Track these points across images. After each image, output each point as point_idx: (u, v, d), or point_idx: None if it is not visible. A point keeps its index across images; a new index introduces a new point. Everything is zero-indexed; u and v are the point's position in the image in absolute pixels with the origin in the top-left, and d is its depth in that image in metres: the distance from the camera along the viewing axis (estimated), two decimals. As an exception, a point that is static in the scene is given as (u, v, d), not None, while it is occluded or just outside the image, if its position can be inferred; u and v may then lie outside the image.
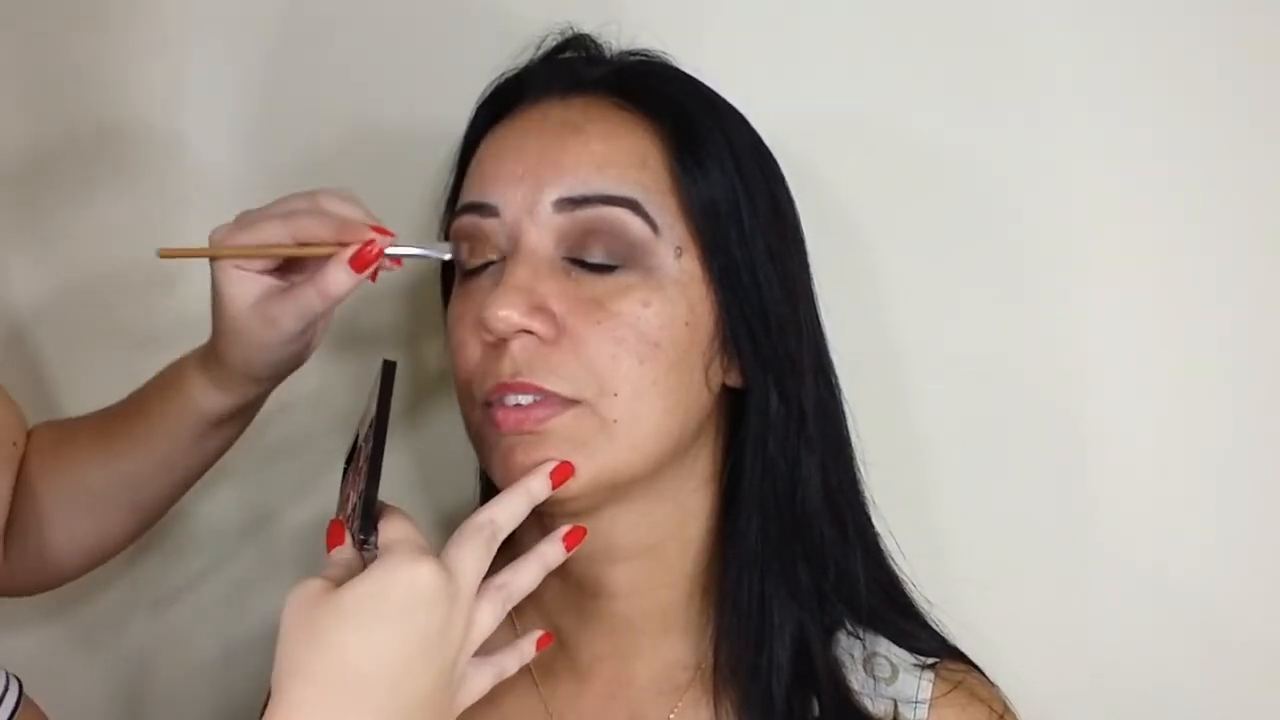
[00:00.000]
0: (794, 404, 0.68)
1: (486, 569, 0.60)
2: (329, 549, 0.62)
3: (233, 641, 0.97)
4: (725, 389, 0.69)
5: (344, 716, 0.55)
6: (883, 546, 0.73)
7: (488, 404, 0.65)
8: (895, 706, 0.68)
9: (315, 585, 0.58)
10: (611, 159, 0.66)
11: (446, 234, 0.71)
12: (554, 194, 0.65)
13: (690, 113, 0.68)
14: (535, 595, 0.64)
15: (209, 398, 0.74)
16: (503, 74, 0.73)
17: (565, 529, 0.65)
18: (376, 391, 0.66)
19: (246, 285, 0.68)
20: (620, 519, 0.67)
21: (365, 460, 0.63)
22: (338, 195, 0.69)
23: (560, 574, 0.65)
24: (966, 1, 0.81)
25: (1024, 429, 0.84)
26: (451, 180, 0.73)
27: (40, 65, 0.92)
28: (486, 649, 0.61)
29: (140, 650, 0.98)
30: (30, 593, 0.83)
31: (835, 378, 0.73)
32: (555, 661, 0.71)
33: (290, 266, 0.70)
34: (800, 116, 0.80)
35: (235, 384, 0.74)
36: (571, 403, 0.64)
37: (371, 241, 0.66)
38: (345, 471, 0.69)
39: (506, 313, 0.63)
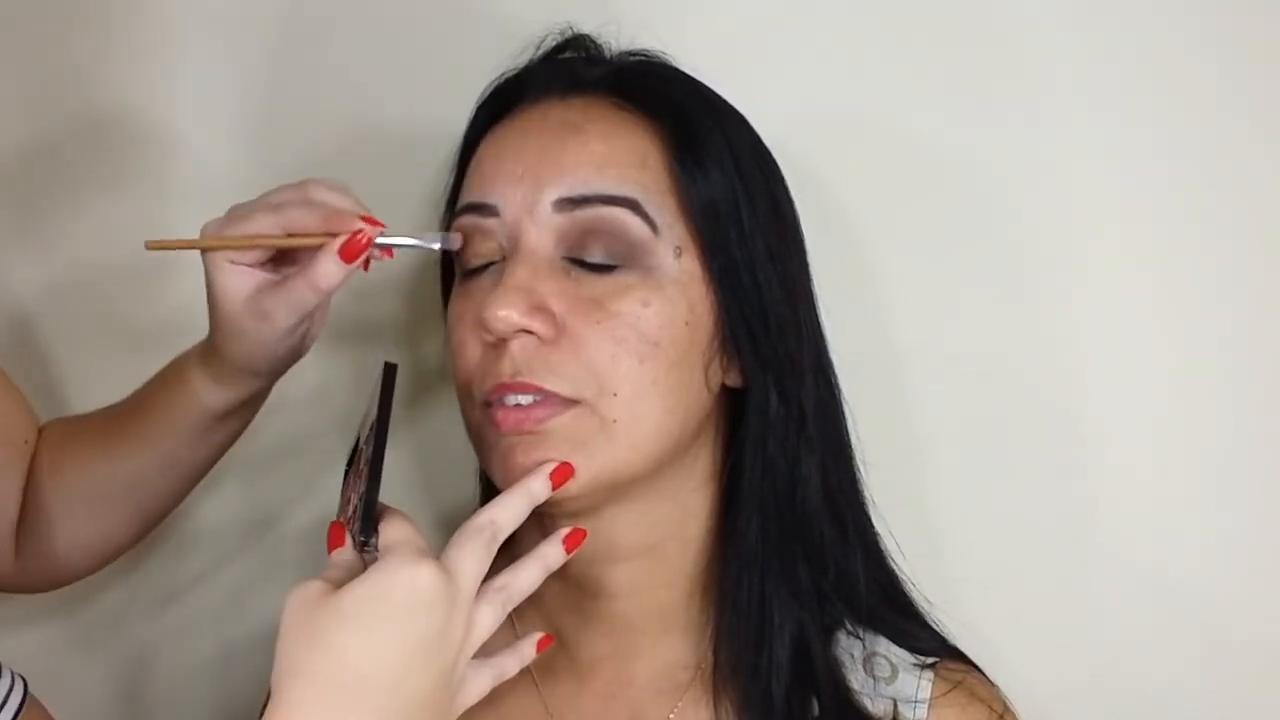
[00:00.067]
0: (794, 404, 0.68)
1: (486, 570, 0.60)
2: (329, 551, 0.62)
3: (233, 641, 0.96)
4: (725, 389, 0.69)
5: (344, 717, 0.55)
6: (882, 546, 0.73)
7: (487, 404, 0.65)
8: (895, 706, 0.68)
9: (315, 586, 0.58)
10: (611, 159, 0.66)
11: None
12: (554, 194, 0.65)
13: (690, 113, 0.68)
14: (535, 595, 0.64)
15: (211, 393, 0.75)
16: (502, 74, 0.73)
17: (566, 531, 0.65)
18: (377, 394, 0.66)
19: (240, 279, 0.68)
20: (620, 519, 0.67)
21: (366, 463, 0.63)
22: (326, 185, 0.69)
23: (560, 574, 0.65)
24: (966, 1, 0.81)
25: (1024, 429, 0.84)
26: (451, 180, 0.73)
27: (40, 65, 0.92)
28: (486, 650, 0.61)
29: (140, 650, 0.97)
30: (44, 589, 0.84)
31: (835, 378, 0.73)
32: (555, 661, 0.71)
33: (283, 259, 0.70)
34: (800, 116, 0.80)
35: (236, 379, 0.74)
36: (571, 403, 0.64)
37: (360, 231, 0.66)
38: (346, 474, 0.69)
39: (506, 313, 0.63)
